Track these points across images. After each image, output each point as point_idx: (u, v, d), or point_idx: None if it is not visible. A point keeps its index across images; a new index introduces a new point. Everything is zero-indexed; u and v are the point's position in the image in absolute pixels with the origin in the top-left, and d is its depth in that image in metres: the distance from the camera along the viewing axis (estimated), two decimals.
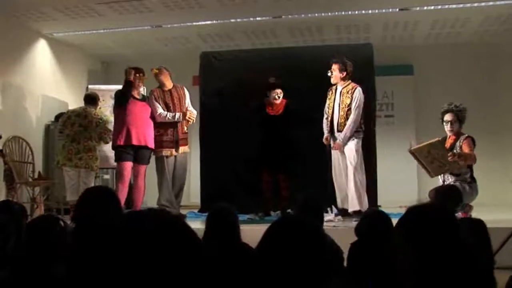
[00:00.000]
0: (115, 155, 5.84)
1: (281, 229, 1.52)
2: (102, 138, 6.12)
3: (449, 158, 4.82)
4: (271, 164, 5.84)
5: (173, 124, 5.91)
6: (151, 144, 5.82)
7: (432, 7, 6.89)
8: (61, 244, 2.01)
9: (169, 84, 6.02)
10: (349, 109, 5.48)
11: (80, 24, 7.31)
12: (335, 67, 5.56)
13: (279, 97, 5.87)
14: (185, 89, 6.17)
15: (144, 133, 5.73)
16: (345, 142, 5.46)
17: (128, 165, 5.76)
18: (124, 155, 5.71)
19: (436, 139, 4.94)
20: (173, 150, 5.91)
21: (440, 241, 1.53)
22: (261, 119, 5.96)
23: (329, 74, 5.59)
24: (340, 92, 5.57)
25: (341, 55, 5.65)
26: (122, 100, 5.71)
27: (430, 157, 4.91)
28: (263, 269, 1.42)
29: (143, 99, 5.94)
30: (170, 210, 5.82)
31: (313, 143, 5.85)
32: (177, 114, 5.88)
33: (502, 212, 6.21)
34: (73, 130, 6.09)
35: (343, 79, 5.56)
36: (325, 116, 5.71)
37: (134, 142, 5.65)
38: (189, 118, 5.94)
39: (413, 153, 5.05)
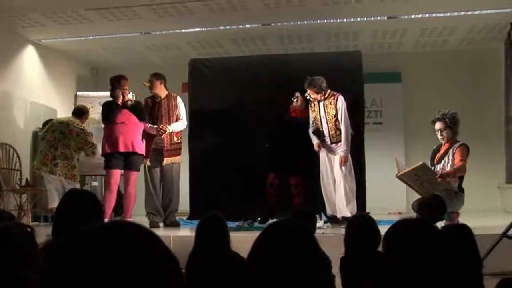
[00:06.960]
0: (104, 162, 5.83)
1: (274, 233, 1.51)
2: (84, 150, 6.06)
3: (438, 180, 4.75)
4: (282, 167, 5.71)
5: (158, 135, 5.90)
6: (141, 150, 5.81)
7: (420, 16, 6.97)
8: (28, 249, 1.97)
9: (161, 94, 6.00)
10: (337, 119, 5.48)
11: (69, 31, 7.28)
12: (310, 92, 5.54)
13: (296, 99, 5.79)
14: (178, 99, 6.12)
15: (131, 139, 5.71)
16: (346, 154, 5.45)
17: (116, 173, 5.76)
18: (112, 162, 5.71)
19: (420, 162, 4.84)
20: (153, 160, 5.91)
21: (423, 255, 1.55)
22: (282, 121, 5.85)
23: (308, 97, 5.58)
24: (324, 105, 5.57)
25: (311, 78, 5.51)
26: (108, 118, 5.74)
27: (419, 180, 4.84)
28: (256, 274, 1.41)
29: (130, 105, 5.81)
30: (154, 218, 5.92)
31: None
32: (153, 127, 5.87)
33: (488, 218, 6.26)
34: (53, 136, 6.05)
35: (322, 95, 5.55)
36: (314, 126, 5.68)
37: (121, 148, 5.66)
38: (160, 130, 5.84)
39: (401, 178, 4.98)
